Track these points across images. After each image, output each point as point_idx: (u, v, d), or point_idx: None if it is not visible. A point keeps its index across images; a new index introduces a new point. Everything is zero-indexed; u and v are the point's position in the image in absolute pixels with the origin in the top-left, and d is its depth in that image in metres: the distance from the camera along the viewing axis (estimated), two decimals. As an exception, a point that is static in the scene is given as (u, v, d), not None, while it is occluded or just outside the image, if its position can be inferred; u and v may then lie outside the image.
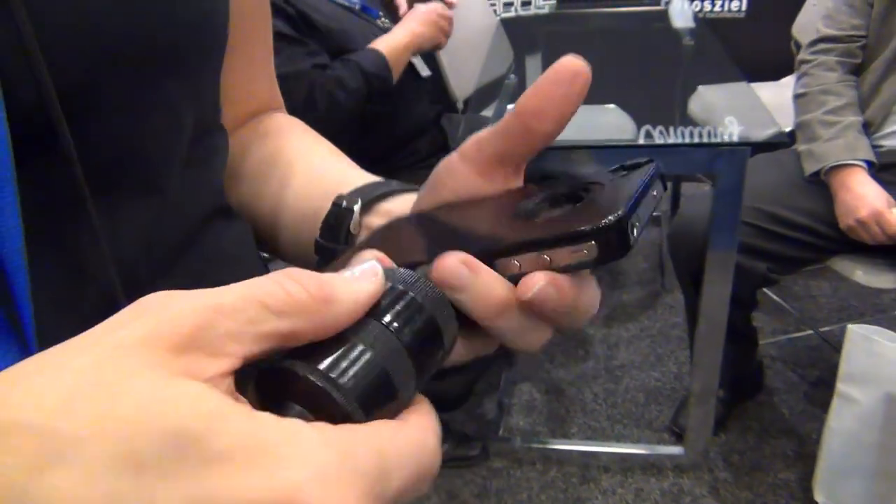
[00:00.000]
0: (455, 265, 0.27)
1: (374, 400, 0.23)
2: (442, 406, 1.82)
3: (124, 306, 0.21)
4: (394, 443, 0.22)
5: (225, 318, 0.21)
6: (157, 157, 0.37)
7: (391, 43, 1.61)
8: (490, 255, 0.28)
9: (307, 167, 0.48)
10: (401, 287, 0.26)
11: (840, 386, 1.39)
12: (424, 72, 1.75)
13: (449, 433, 1.80)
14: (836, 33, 1.62)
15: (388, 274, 0.26)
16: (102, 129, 0.34)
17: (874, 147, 1.51)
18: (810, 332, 2.14)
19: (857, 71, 1.61)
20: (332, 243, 0.40)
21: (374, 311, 0.25)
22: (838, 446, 1.41)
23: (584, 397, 1.93)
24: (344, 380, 0.22)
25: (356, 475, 0.20)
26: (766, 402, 1.90)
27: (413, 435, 0.23)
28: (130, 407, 0.18)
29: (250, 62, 0.51)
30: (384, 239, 0.34)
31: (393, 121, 1.69)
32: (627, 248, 0.26)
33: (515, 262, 0.27)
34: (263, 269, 0.50)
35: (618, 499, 1.65)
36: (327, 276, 0.24)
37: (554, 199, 0.31)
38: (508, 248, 0.28)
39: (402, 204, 0.40)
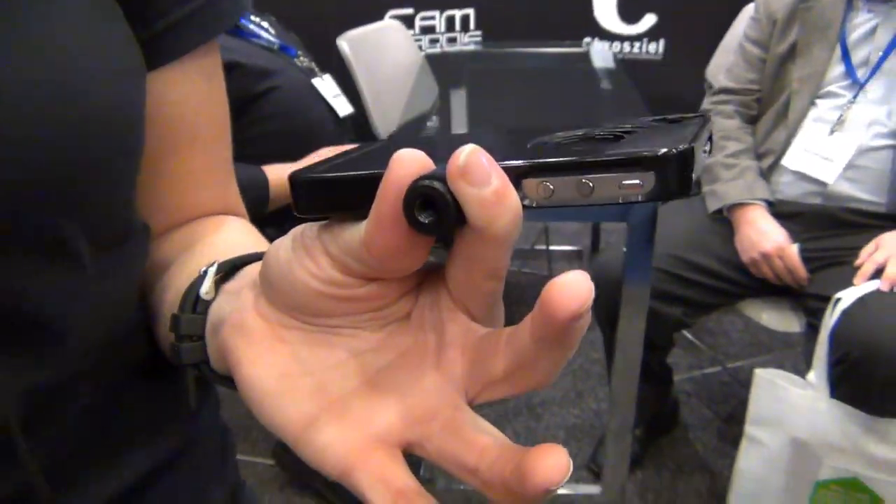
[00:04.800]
0: (479, 154, 0.22)
1: None
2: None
3: None
4: None
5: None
6: (53, 303, 0.34)
7: (282, 175, 1.51)
8: (517, 172, 0.23)
9: (207, 255, 0.42)
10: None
11: (748, 428, 1.43)
12: (344, 111, 1.74)
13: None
14: (734, 86, 1.73)
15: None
16: None
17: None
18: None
19: (754, 120, 1.72)
20: (180, 312, 0.36)
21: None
22: (747, 488, 1.46)
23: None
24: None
25: None
26: (680, 438, 1.94)
27: None
28: None
29: (188, 171, 0.46)
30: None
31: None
32: (689, 188, 0.22)
33: (548, 185, 0.23)
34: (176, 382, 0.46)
35: (537, 540, 1.65)
36: None
37: (587, 137, 0.26)
38: (541, 166, 0.23)
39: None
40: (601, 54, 2.65)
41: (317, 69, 1.74)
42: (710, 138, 0.26)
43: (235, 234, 0.46)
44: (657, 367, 1.78)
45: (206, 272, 0.36)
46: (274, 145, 1.58)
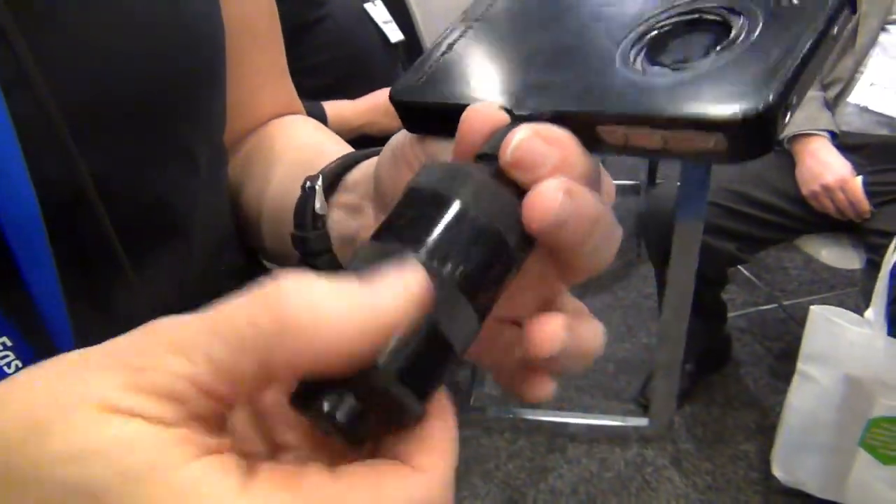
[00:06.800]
0: (532, 141, 0.22)
1: (427, 371, 0.20)
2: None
3: None
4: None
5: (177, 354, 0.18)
6: (179, 202, 0.38)
7: (343, 115, 1.53)
8: (594, 120, 0.23)
9: (291, 156, 0.45)
10: (460, 209, 0.21)
11: (801, 365, 1.41)
12: (395, 37, 1.71)
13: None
14: None
15: (435, 177, 0.22)
16: (126, 186, 0.34)
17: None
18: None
19: None
20: (302, 231, 0.38)
21: (414, 242, 0.20)
22: (797, 423, 1.44)
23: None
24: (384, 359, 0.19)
25: None
26: (731, 375, 1.93)
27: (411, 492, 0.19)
28: (49, 453, 0.17)
29: (255, 70, 0.48)
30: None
31: (362, 91, 1.67)
32: (770, 149, 0.21)
33: (622, 133, 0.22)
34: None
35: (582, 468, 1.68)
36: (317, 294, 0.18)
37: (682, 25, 0.24)
38: (618, 117, 0.22)
39: (366, 172, 0.37)
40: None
41: (368, -8, 1.72)
42: (853, 4, 0.22)
43: (308, 132, 0.48)
44: (710, 302, 1.75)
45: (312, 188, 0.37)
46: (327, 75, 1.58)
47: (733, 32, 0.23)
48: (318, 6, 1.53)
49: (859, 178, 1.45)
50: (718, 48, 0.22)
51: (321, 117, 1.49)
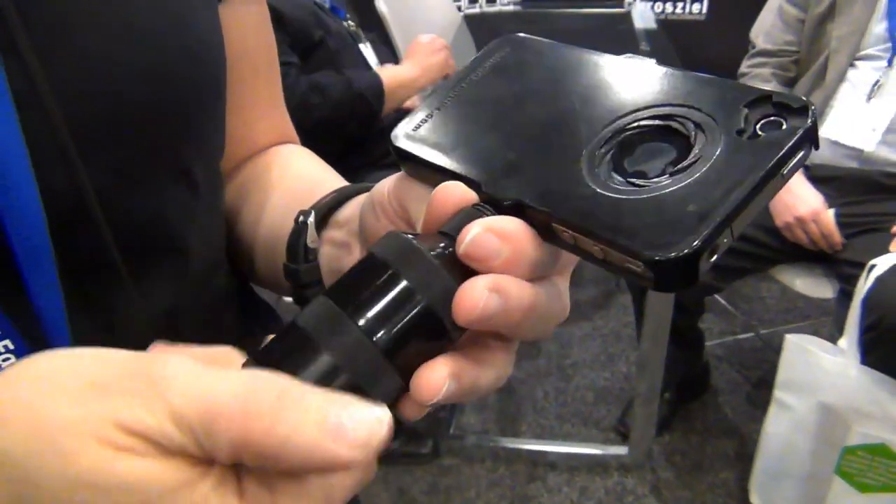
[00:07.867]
0: (485, 237, 0.24)
1: None
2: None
3: None
4: None
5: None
6: (177, 219, 0.39)
7: (397, 75, 1.60)
8: (548, 218, 0.25)
9: (287, 186, 0.47)
10: (406, 284, 0.24)
11: (777, 393, 1.43)
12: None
13: (401, 430, 1.81)
14: (771, 48, 1.70)
15: (390, 251, 0.25)
16: (127, 200, 0.35)
17: None
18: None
19: (791, 83, 1.69)
20: (294, 264, 0.39)
21: (355, 308, 0.23)
22: (774, 451, 1.46)
23: (535, 395, 1.97)
24: None
25: None
26: (710, 403, 1.94)
27: None
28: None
29: (254, 101, 0.50)
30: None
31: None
32: (692, 284, 0.22)
33: (571, 235, 0.25)
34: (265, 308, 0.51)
35: (563, 497, 1.69)
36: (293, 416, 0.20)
37: (651, 130, 0.26)
38: (567, 222, 0.25)
39: (355, 209, 0.38)
40: (643, 15, 2.60)
41: (362, 35, 1.75)
42: (814, 139, 0.24)
43: (303, 164, 0.50)
44: (688, 331, 1.78)
45: (304, 222, 0.38)
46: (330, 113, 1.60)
47: (690, 156, 0.24)
48: (317, 27, 1.56)
49: (831, 211, 1.49)
50: (672, 170, 0.24)
51: (378, 86, 1.55)
